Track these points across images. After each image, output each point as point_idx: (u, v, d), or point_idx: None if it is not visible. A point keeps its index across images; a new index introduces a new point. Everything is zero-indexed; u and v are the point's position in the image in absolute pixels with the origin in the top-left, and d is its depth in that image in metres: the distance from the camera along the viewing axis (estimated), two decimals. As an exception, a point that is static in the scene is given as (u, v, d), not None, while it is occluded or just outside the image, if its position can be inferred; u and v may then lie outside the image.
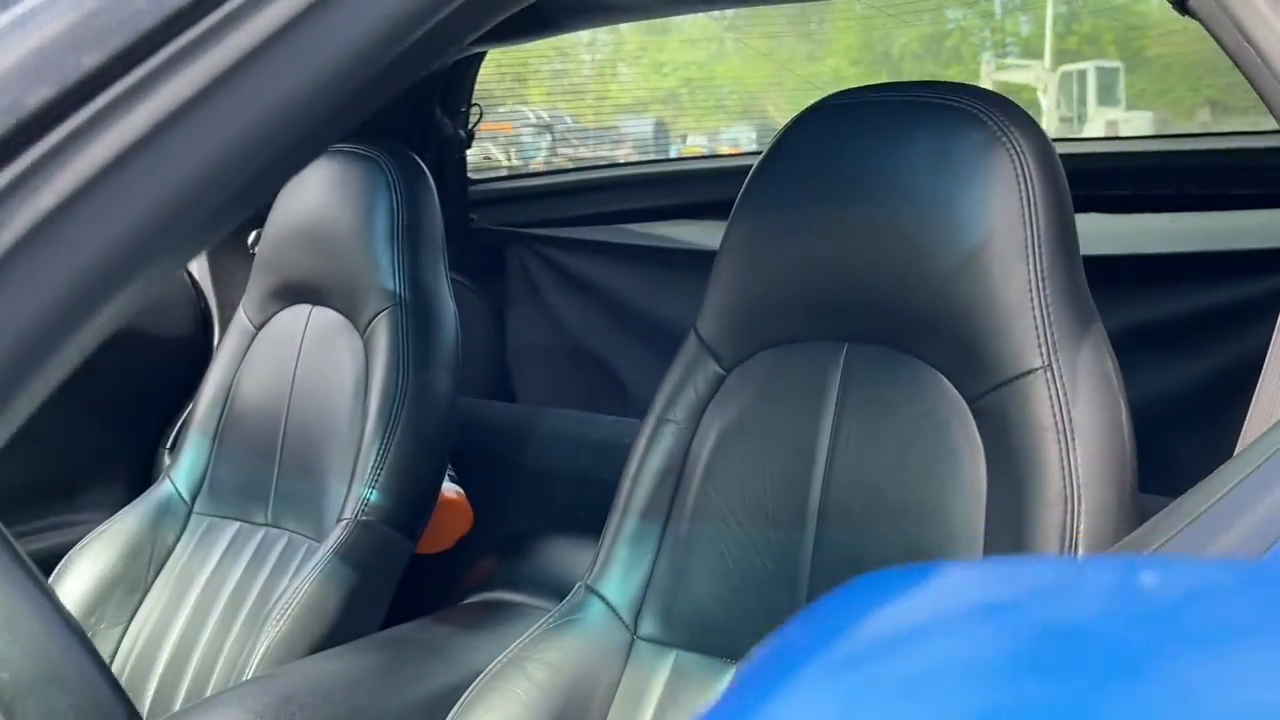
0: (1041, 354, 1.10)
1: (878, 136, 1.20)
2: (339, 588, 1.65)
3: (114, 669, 1.85)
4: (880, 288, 1.19)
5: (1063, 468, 1.06)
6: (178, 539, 1.95)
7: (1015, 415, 1.10)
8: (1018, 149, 1.13)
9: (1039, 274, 1.11)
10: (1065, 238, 1.13)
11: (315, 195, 1.89)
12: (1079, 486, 1.06)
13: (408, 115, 2.31)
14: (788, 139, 1.28)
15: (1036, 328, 1.10)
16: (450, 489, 1.91)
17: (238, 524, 1.92)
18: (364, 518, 1.69)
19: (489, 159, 3.34)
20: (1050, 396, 1.08)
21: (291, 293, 1.95)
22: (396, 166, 1.84)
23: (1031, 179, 1.12)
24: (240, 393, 1.98)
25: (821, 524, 1.22)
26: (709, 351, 1.33)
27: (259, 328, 1.99)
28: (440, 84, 2.32)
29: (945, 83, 1.21)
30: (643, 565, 1.34)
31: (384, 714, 1.41)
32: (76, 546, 1.93)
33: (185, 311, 2.24)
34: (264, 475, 1.90)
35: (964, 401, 1.15)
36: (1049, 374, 1.09)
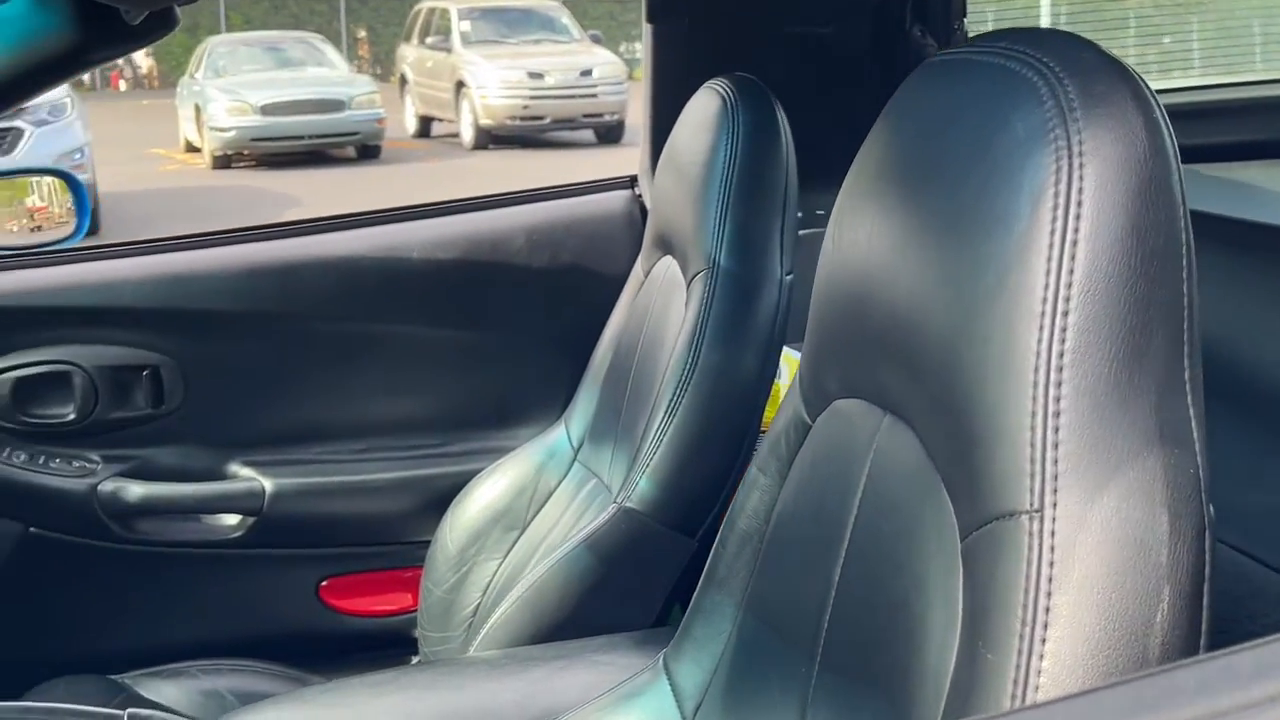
0: (1032, 490, 0.66)
1: (935, 114, 0.80)
2: (580, 579, 1.51)
3: (479, 601, 1.88)
4: (905, 341, 0.80)
5: (1017, 666, 0.64)
6: (559, 483, 1.91)
7: (986, 576, 0.68)
8: (1073, 149, 0.68)
9: (1053, 354, 0.66)
10: (1134, 297, 0.67)
11: (678, 135, 1.71)
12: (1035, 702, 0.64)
13: (873, 35, 2.00)
14: (885, 118, 0.89)
15: (1032, 445, 0.67)
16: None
17: (595, 480, 1.84)
18: (629, 504, 1.52)
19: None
20: (1029, 560, 0.65)
21: (662, 242, 1.80)
22: (743, 107, 1.58)
23: (1079, 197, 0.67)
24: (621, 345, 1.88)
25: (823, 663, 0.87)
26: (801, 394, 1.00)
27: (646, 276, 1.87)
28: (913, -1, 1.98)
29: (1037, 31, 0.76)
30: (713, 648, 1.05)
31: None
32: (480, 474, 1.97)
33: (630, 249, 2.17)
34: (611, 435, 1.80)
35: (958, 537, 0.74)
36: (1035, 525, 0.66)
